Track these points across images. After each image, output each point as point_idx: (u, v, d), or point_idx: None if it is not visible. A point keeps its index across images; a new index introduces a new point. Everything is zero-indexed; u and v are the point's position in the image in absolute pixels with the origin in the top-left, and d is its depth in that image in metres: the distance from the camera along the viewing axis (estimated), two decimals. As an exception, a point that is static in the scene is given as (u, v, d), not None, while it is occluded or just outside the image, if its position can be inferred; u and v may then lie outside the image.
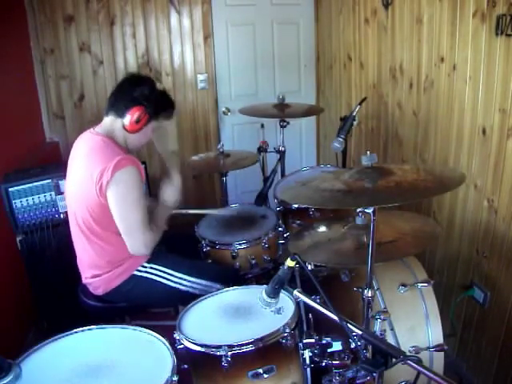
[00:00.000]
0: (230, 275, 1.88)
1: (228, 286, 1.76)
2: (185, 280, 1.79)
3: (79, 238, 1.74)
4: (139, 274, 1.78)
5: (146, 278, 1.78)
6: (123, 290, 1.77)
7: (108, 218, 1.63)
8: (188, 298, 1.61)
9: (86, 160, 1.66)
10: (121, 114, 1.69)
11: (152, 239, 1.70)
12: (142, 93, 1.68)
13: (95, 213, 1.64)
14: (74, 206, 1.72)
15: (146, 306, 1.95)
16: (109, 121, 1.73)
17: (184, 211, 2.02)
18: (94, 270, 1.76)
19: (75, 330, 1.36)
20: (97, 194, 1.58)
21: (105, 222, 1.65)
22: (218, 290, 1.75)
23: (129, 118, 1.67)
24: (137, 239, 1.66)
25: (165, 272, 1.79)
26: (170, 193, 1.84)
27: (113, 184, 1.57)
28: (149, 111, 1.69)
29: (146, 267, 1.78)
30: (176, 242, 2.06)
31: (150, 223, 1.71)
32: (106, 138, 1.69)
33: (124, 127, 1.70)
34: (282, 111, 2.56)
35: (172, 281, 1.78)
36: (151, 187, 2.75)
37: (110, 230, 1.67)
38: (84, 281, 1.82)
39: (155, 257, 1.81)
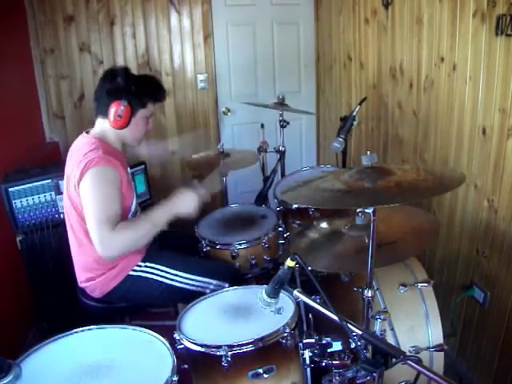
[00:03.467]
0: (226, 271, 1.87)
1: (224, 282, 1.76)
2: (181, 277, 1.78)
3: (73, 240, 1.75)
4: (135, 273, 1.77)
5: (142, 277, 1.77)
6: (120, 291, 1.76)
7: None
8: (185, 296, 1.60)
9: (71, 163, 1.67)
10: (105, 113, 1.68)
11: (120, 242, 1.53)
12: (117, 86, 1.66)
13: (82, 213, 1.63)
14: (68, 208, 1.72)
15: (144, 305, 1.94)
16: (99, 123, 1.74)
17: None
18: (88, 273, 1.76)
19: (75, 330, 1.35)
20: (77, 194, 1.59)
21: None
22: (215, 286, 1.76)
23: (111, 116, 1.66)
24: (93, 235, 1.53)
25: (160, 270, 1.78)
26: (189, 200, 1.66)
27: (83, 180, 1.56)
28: (129, 102, 1.66)
29: (141, 266, 1.78)
30: (176, 242, 2.06)
31: (128, 223, 1.60)
32: (95, 139, 1.69)
33: (111, 125, 1.69)
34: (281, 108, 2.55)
35: (168, 278, 1.78)
36: (151, 187, 2.75)
37: None
38: (80, 285, 1.81)
39: (150, 255, 1.81)
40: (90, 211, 1.56)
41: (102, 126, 1.73)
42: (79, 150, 1.66)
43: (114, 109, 1.65)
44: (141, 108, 1.72)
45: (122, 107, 1.65)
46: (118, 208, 1.59)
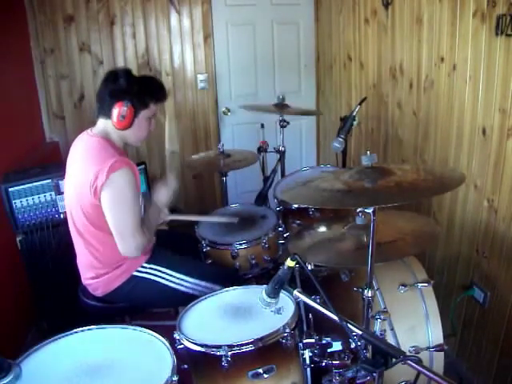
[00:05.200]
0: (230, 277, 1.86)
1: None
2: (185, 281, 1.78)
3: (77, 239, 1.75)
4: (140, 274, 1.77)
5: (147, 278, 1.77)
6: (123, 291, 1.76)
7: (102, 220, 1.63)
8: (188, 300, 1.60)
9: (82, 162, 1.66)
10: (108, 114, 1.68)
11: (144, 242, 1.67)
12: (120, 87, 1.66)
13: (89, 214, 1.63)
14: (71, 207, 1.72)
15: (146, 306, 1.94)
16: (101, 123, 1.73)
17: (183, 217, 2.00)
18: (92, 272, 1.76)
19: (75, 330, 1.35)
20: (91, 196, 1.58)
21: (99, 223, 1.64)
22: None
23: (114, 117, 1.66)
24: (128, 242, 1.63)
25: (165, 273, 1.78)
26: (163, 193, 1.81)
27: (107, 186, 1.56)
28: (132, 103, 1.66)
29: (146, 268, 1.78)
30: (176, 242, 2.06)
31: (142, 225, 1.68)
32: (102, 140, 1.68)
33: (115, 126, 1.69)
34: (282, 111, 2.55)
35: (173, 282, 1.78)
36: (151, 187, 2.75)
37: (104, 232, 1.66)
38: (83, 282, 1.82)
39: (155, 257, 1.81)
40: (122, 221, 1.61)
41: (105, 126, 1.72)
42: (91, 152, 1.65)
43: (117, 110, 1.65)
44: (143, 108, 1.72)
45: (126, 108, 1.65)
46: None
